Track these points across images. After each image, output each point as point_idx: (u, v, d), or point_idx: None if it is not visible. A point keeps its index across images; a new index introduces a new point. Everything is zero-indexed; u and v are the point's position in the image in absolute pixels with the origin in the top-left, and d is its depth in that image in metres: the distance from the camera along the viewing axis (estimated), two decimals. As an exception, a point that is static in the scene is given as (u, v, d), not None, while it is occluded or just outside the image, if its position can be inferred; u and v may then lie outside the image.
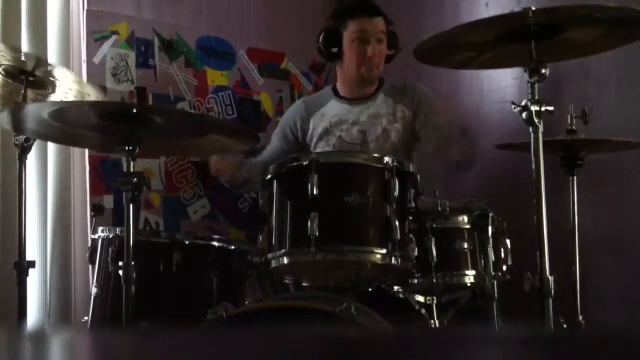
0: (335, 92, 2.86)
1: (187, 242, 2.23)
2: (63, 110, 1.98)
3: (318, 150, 2.77)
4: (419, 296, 2.14)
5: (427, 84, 3.13)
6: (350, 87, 2.82)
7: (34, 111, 2.07)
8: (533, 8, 1.74)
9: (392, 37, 2.74)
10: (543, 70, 1.82)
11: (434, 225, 2.05)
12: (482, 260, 2.07)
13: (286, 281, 2.19)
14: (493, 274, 2.04)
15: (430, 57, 2.08)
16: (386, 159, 1.99)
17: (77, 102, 2.31)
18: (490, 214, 2.09)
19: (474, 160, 2.62)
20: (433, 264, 2.04)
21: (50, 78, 2.28)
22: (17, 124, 2.18)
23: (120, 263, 1.95)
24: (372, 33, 2.68)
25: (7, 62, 2.21)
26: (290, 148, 2.87)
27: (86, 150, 2.91)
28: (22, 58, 2.22)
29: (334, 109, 2.83)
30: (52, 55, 2.91)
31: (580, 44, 1.91)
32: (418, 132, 2.75)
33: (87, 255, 2.32)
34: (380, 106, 2.80)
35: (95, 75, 2.96)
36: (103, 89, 2.85)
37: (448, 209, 2.03)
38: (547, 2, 2.55)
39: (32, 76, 2.22)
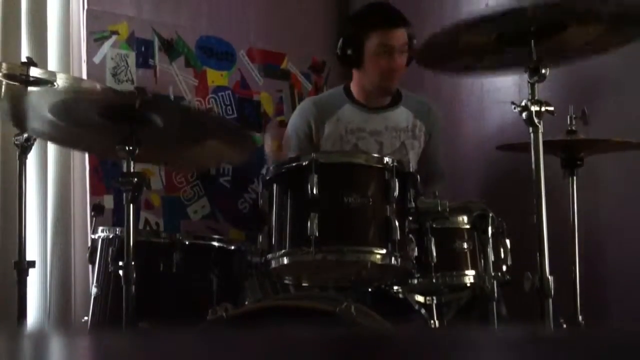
0: (350, 96, 2.80)
1: (187, 242, 2.23)
2: (64, 103, 1.97)
3: None
4: (418, 296, 2.14)
5: (428, 85, 3.13)
6: (368, 95, 2.77)
7: (36, 103, 2.06)
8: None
9: (412, 43, 2.67)
10: (543, 70, 1.82)
11: (434, 226, 2.05)
12: (482, 260, 2.07)
13: (286, 281, 2.18)
14: (493, 274, 2.04)
15: (431, 62, 2.07)
16: (386, 159, 1.99)
17: (78, 92, 2.30)
18: (490, 214, 2.09)
19: None
20: (433, 264, 2.04)
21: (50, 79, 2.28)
22: (18, 117, 2.17)
23: (120, 263, 1.95)
24: (397, 46, 2.63)
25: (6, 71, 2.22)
26: (308, 145, 2.77)
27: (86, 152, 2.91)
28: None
29: (349, 114, 2.76)
30: (52, 55, 2.91)
31: (581, 45, 1.91)
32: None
33: (87, 255, 2.32)
34: (399, 119, 2.78)
35: (95, 75, 2.96)
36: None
37: (448, 209, 2.03)
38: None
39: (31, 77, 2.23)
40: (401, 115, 2.78)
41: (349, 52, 2.67)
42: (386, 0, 2.77)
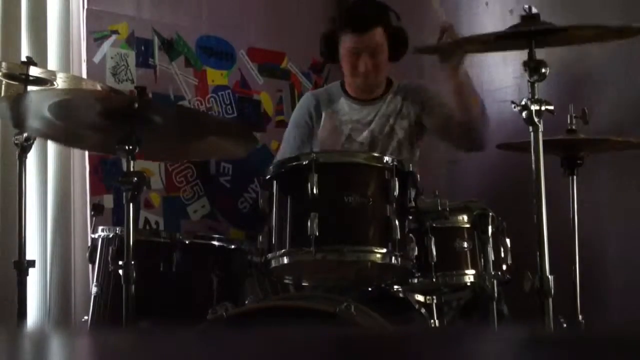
0: (344, 90, 2.81)
1: (187, 242, 2.23)
2: (64, 103, 1.97)
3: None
4: (419, 296, 2.14)
5: (427, 84, 3.13)
6: (353, 89, 2.78)
7: (35, 103, 2.06)
8: (533, 10, 1.74)
9: (396, 37, 2.63)
10: (543, 70, 1.82)
11: (434, 225, 2.05)
12: (482, 260, 2.07)
13: (286, 281, 2.19)
14: (493, 273, 2.04)
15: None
16: (386, 158, 1.99)
17: (78, 91, 2.31)
18: (490, 214, 2.09)
19: (482, 139, 2.58)
20: (433, 263, 2.04)
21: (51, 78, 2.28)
22: (17, 117, 2.17)
23: (120, 263, 1.95)
24: (364, 48, 2.61)
25: (6, 70, 2.23)
26: (309, 140, 2.77)
27: (86, 150, 2.91)
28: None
29: (344, 107, 2.77)
30: (52, 54, 2.91)
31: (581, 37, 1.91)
32: (426, 123, 2.74)
33: (87, 254, 2.32)
34: (389, 106, 2.76)
35: (95, 75, 2.96)
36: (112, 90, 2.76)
37: (448, 209, 2.03)
38: (547, 2, 2.56)
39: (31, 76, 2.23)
40: (391, 102, 2.77)
41: (327, 49, 2.70)
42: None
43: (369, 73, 2.66)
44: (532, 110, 1.81)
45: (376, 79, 2.72)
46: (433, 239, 2.04)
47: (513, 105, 1.85)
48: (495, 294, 1.99)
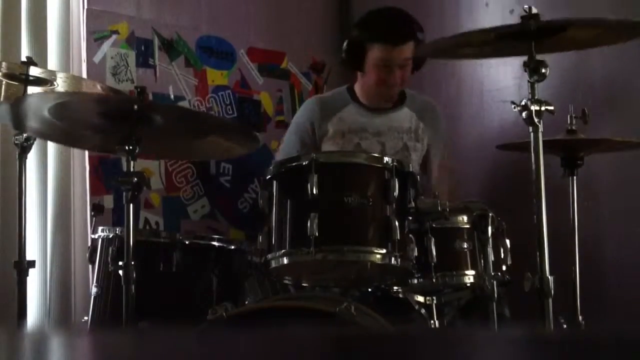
0: (353, 96, 2.78)
1: (187, 242, 2.23)
2: (63, 105, 1.97)
3: None
4: (418, 296, 2.14)
5: (428, 85, 3.13)
6: (369, 97, 2.75)
7: (35, 106, 2.06)
8: (533, 10, 1.74)
9: (418, 50, 2.61)
10: (543, 70, 1.82)
11: (434, 225, 2.05)
12: (482, 261, 2.07)
13: (286, 281, 2.19)
14: (493, 274, 2.04)
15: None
16: (386, 159, 1.99)
17: (78, 94, 2.31)
18: (490, 214, 2.09)
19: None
20: (433, 264, 2.04)
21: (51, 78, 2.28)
22: (17, 119, 2.17)
23: (120, 263, 1.95)
24: (396, 61, 2.59)
25: (6, 70, 2.23)
26: (311, 143, 2.76)
27: (86, 150, 2.91)
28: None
29: (352, 114, 2.74)
30: (52, 55, 2.91)
31: (581, 40, 1.91)
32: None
33: (87, 255, 2.32)
34: (403, 120, 2.75)
35: (95, 75, 2.96)
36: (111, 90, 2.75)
37: (448, 209, 2.03)
38: (547, 3, 2.55)
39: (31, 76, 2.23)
40: (404, 116, 2.76)
41: (352, 56, 2.65)
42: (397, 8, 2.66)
43: (396, 85, 2.67)
44: (532, 111, 1.81)
45: (399, 88, 2.72)
46: (433, 240, 2.04)
47: (513, 106, 1.85)
48: (495, 295, 1.99)
